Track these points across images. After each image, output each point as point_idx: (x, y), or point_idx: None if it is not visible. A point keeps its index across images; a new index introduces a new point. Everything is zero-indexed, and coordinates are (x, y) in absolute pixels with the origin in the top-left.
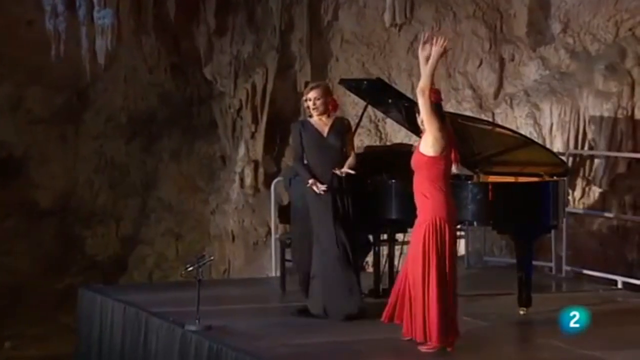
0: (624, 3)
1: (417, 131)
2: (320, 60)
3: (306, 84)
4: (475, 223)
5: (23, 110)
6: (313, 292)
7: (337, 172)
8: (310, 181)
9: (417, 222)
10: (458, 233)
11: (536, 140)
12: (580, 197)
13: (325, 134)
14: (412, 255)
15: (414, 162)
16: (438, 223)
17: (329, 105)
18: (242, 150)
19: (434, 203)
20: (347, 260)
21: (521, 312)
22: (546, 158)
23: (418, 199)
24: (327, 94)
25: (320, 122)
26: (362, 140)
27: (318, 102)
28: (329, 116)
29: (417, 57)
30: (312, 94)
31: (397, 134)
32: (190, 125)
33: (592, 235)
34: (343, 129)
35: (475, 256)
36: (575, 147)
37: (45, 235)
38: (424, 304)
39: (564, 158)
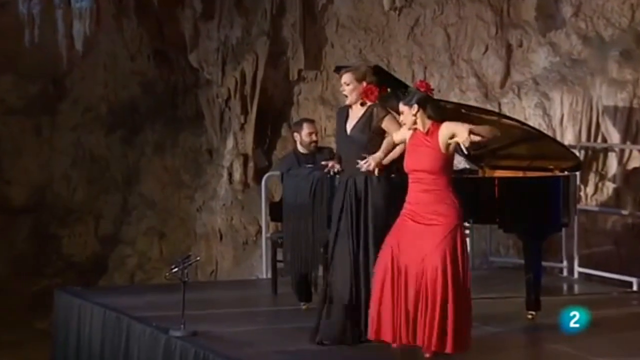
0: None
1: None
2: (315, 46)
3: (299, 72)
4: (480, 221)
5: None
6: None
7: (360, 166)
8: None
9: (434, 225)
10: None
11: (546, 132)
12: (593, 193)
13: (350, 127)
14: (437, 263)
15: (437, 163)
16: (461, 226)
17: (363, 92)
18: (230, 143)
19: (457, 205)
20: (351, 276)
21: (529, 317)
22: (556, 151)
23: (438, 202)
24: (360, 80)
25: (353, 112)
26: None
27: (348, 89)
28: (363, 104)
29: (418, 43)
30: (343, 79)
31: None
32: (174, 116)
33: (606, 234)
34: (372, 121)
35: (481, 256)
36: (588, 139)
37: (18, 234)
38: (463, 310)
39: (575, 151)
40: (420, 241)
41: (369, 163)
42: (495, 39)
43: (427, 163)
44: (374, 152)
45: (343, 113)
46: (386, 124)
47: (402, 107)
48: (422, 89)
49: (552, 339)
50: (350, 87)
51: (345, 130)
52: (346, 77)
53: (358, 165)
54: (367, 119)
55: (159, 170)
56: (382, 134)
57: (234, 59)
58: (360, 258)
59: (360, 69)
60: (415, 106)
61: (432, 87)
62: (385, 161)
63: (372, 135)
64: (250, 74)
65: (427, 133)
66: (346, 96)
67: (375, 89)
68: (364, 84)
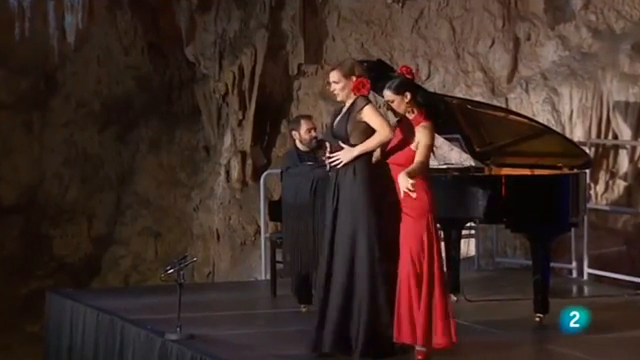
0: None
1: None
2: (315, 40)
3: (299, 66)
4: (486, 221)
5: None
6: None
7: (326, 159)
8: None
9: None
10: (468, 232)
11: (554, 128)
12: (603, 191)
13: (335, 123)
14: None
15: (407, 158)
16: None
17: (355, 87)
18: (228, 140)
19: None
20: (327, 282)
21: (537, 319)
22: (565, 148)
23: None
24: (348, 75)
25: (344, 108)
26: None
27: (338, 87)
28: (351, 99)
29: (422, 37)
30: (331, 77)
31: None
32: (170, 112)
33: (616, 234)
34: (352, 111)
35: (487, 257)
36: (598, 136)
37: (8, 235)
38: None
39: (585, 148)
40: None
41: (338, 160)
42: (502, 32)
43: (401, 159)
44: (356, 144)
45: (336, 112)
46: (365, 113)
47: (387, 94)
48: (407, 75)
49: (561, 342)
50: (340, 84)
51: (332, 125)
52: (334, 75)
53: (327, 161)
54: (349, 111)
55: (154, 168)
56: (363, 124)
57: (232, 53)
58: (358, 257)
59: (346, 63)
60: (398, 96)
61: (414, 71)
62: (358, 152)
63: (352, 125)
64: (248, 69)
65: (397, 122)
66: (336, 95)
67: (366, 81)
68: (354, 78)
